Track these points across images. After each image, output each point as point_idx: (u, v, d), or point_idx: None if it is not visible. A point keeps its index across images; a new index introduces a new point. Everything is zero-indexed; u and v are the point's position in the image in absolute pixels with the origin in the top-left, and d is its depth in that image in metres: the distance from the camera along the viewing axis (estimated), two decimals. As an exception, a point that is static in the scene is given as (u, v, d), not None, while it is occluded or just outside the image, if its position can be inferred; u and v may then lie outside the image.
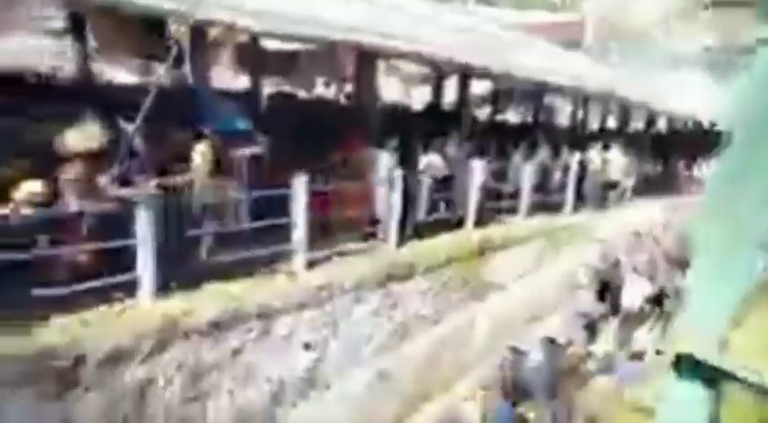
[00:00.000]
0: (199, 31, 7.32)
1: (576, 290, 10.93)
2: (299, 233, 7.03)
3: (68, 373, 4.76)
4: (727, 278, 1.70)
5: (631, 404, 6.26)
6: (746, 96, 1.91)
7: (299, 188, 6.99)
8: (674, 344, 1.73)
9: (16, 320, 4.75)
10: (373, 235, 8.52)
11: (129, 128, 5.88)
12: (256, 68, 11.76)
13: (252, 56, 11.71)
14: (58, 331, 4.87)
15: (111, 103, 6.50)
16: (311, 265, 7.25)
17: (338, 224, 8.13)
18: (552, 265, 11.40)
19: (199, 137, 6.68)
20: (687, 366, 1.70)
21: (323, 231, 7.77)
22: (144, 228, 5.47)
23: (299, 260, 7.08)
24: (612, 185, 13.75)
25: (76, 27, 8.38)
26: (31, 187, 5.38)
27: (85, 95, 7.54)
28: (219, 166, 6.75)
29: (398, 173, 8.32)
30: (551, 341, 8.90)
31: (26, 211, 5.29)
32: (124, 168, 5.78)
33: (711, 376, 1.70)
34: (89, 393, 4.90)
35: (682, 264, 9.89)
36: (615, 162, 13.73)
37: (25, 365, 4.52)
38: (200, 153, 6.61)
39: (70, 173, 5.50)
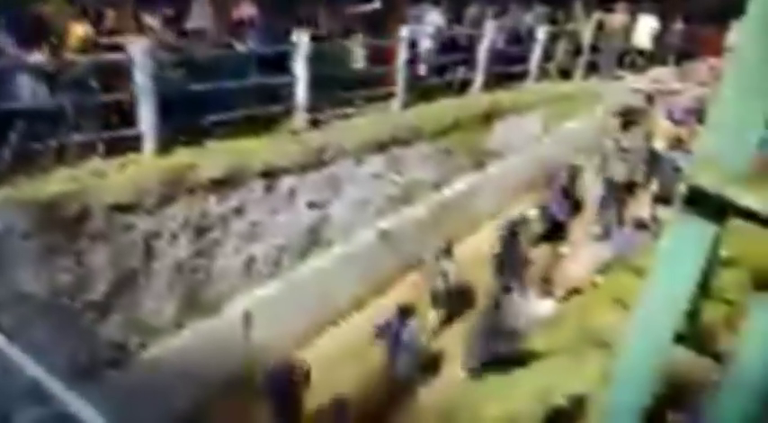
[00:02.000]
0: None
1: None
2: (301, 91, 6.86)
3: (75, 224, 4.85)
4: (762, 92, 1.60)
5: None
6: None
7: (302, 44, 6.72)
8: (689, 177, 1.68)
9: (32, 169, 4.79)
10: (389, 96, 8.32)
11: None
12: None
13: None
14: (67, 181, 4.89)
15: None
16: (315, 124, 7.14)
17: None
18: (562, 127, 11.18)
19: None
20: (696, 200, 1.67)
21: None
22: (142, 78, 5.29)
23: (300, 119, 6.96)
24: (639, 53, 13.15)
25: None
26: (79, 32, 5.28)
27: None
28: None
29: (404, 32, 7.97)
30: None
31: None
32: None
33: (720, 211, 1.67)
34: (95, 244, 5.02)
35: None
36: (644, 28, 12.97)
37: (36, 213, 4.59)
38: None
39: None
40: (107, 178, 5.09)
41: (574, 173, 9.71)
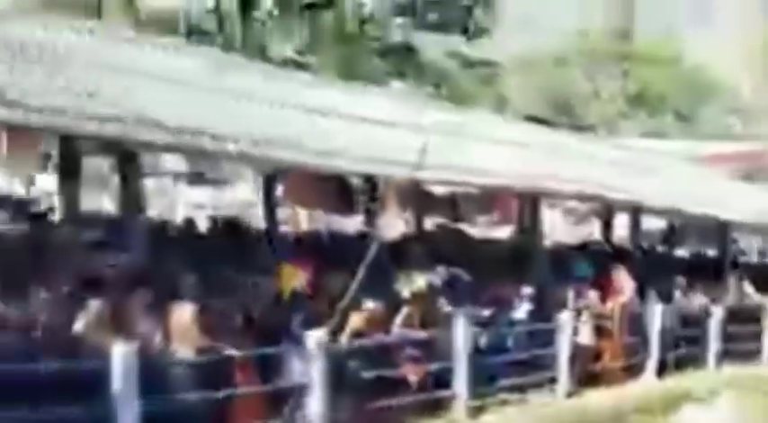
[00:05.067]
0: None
1: None
2: (461, 378, 6.84)
3: None
4: None
5: None
6: None
7: (459, 330, 6.91)
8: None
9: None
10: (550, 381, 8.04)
11: None
12: (422, 211, 12.16)
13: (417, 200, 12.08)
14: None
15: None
16: (476, 412, 6.93)
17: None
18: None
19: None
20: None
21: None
22: (314, 372, 5.47)
23: (460, 407, 6.82)
24: None
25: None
26: None
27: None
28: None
29: (566, 316, 7.98)
30: None
31: None
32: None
33: None
34: None
35: None
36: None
37: None
38: None
39: None
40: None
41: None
